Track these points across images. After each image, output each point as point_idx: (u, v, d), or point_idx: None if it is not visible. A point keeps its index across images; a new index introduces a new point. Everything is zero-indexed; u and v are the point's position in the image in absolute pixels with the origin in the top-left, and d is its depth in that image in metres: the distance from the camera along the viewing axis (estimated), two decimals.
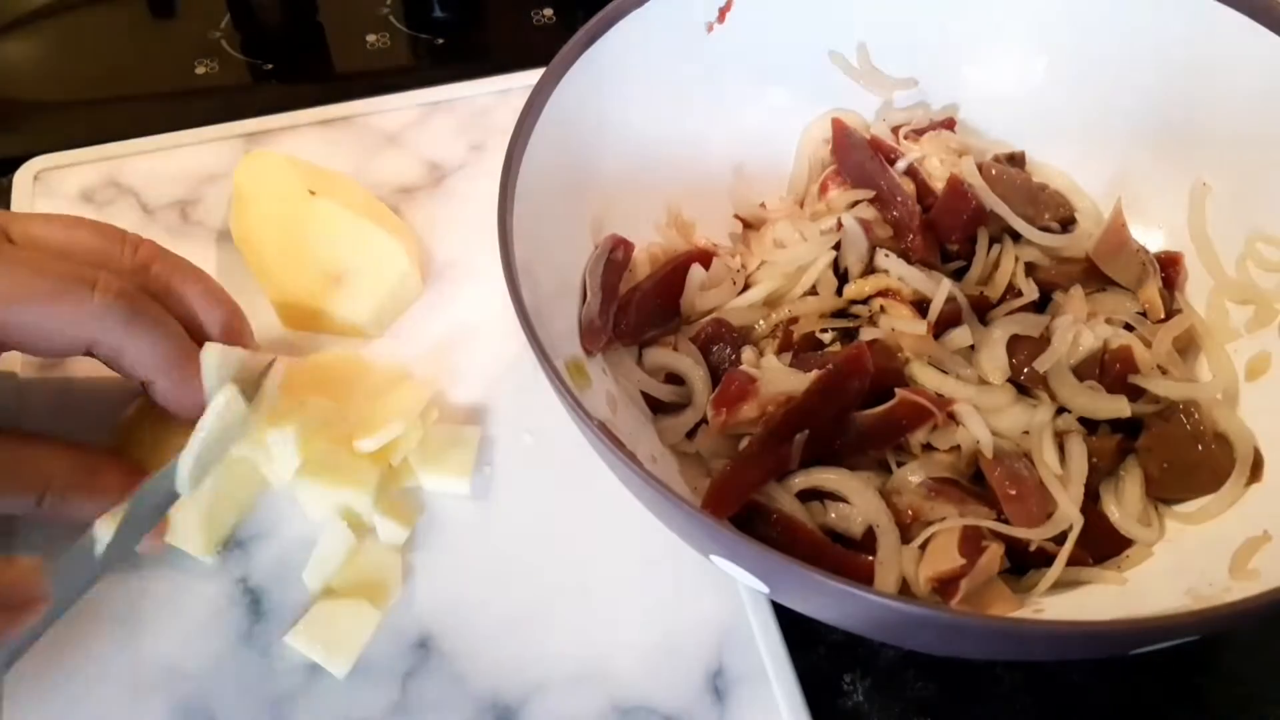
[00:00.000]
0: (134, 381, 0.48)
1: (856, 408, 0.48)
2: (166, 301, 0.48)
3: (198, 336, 0.49)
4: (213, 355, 0.47)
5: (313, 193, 0.59)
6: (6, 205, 0.65)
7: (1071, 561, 0.46)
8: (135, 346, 0.46)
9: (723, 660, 0.48)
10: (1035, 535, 0.46)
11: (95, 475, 0.47)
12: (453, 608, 0.50)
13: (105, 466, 0.48)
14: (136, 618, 0.49)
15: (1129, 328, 0.53)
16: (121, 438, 0.51)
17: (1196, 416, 0.50)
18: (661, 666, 0.48)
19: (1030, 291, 0.54)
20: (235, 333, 0.51)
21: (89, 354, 0.46)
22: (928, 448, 0.49)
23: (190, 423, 0.47)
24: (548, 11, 0.83)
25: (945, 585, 0.45)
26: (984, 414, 0.49)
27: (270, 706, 0.47)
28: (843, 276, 0.55)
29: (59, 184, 0.65)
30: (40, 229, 0.48)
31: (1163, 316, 0.54)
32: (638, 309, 0.53)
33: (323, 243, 0.58)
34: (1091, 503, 0.49)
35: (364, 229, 0.58)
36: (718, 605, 0.50)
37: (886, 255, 0.54)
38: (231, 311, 0.51)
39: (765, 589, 0.41)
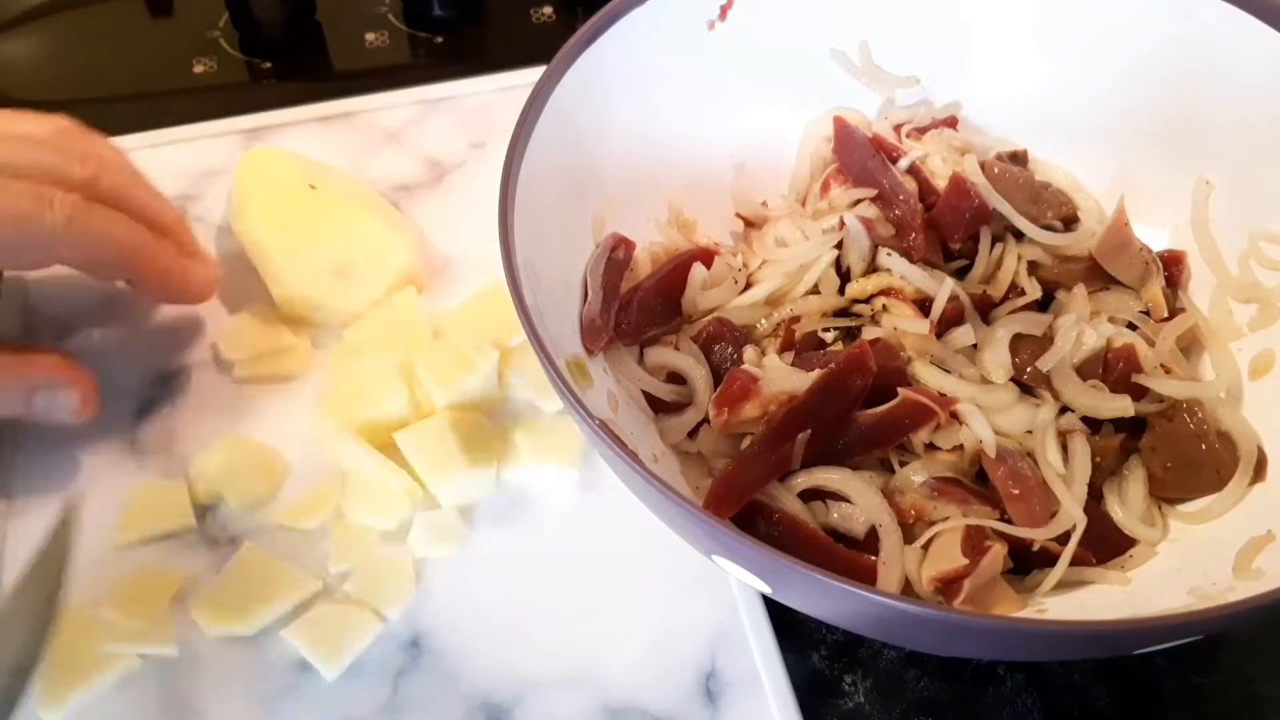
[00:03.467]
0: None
1: (859, 407, 0.48)
2: (119, 207, 0.50)
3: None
4: None
5: (314, 187, 0.58)
6: None
7: (1075, 561, 0.46)
8: (102, 253, 0.50)
9: (715, 662, 0.48)
10: (1038, 535, 0.46)
11: (81, 369, 0.51)
12: (445, 607, 0.50)
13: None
14: None
15: (1132, 327, 0.53)
16: None
17: (1200, 415, 0.49)
18: (654, 668, 0.48)
19: (1033, 290, 0.54)
20: (180, 234, 0.55)
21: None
22: (930, 447, 0.49)
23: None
24: (547, 9, 0.83)
25: (948, 585, 0.44)
26: (987, 413, 0.48)
27: (261, 701, 0.47)
28: (845, 275, 0.55)
29: None
30: None
31: (1166, 315, 0.53)
32: (639, 308, 0.53)
33: (325, 237, 0.58)
34: (1095, 502, 0.48)
35: (366, 223, 0.58)
36: (711, 607, 0.50)
37: (889, 254, 0.54)
38: (177, 217, 0.55)
39: (767, 589, 0.41)
